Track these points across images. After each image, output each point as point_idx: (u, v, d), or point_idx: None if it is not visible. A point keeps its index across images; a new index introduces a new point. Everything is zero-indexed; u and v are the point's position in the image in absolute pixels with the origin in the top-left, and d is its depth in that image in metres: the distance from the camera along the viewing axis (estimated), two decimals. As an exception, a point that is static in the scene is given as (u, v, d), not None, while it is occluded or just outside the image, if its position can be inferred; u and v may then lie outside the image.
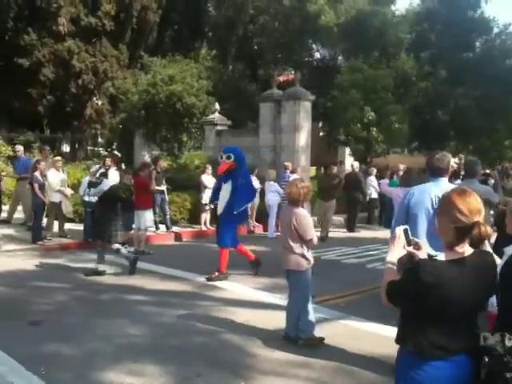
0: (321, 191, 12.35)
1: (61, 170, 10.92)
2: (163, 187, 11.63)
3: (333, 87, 19.77)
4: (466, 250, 2.45)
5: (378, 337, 5.38)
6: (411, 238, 2.61)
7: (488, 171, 13.84)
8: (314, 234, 5.34)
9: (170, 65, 17.88)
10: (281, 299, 6.54)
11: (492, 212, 6.81)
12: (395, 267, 2.57)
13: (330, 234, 12.24)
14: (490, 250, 3.35)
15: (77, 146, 30.31)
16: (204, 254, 10.19)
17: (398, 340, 2.52)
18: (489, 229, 2.40)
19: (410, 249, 2.59)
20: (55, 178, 10.47)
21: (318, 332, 5.35)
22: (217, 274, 7.80)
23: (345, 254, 9.99)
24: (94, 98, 28.86)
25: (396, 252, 2.59)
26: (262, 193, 12.65)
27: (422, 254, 2.60)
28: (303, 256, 5.29)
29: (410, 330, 2.44)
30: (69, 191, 10.86)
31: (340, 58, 25.77)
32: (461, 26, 22.33)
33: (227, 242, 7.89)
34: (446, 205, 2.47)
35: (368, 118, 17.70)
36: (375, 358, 4.74)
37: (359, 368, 4.68)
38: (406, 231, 2.60)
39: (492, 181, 9.82)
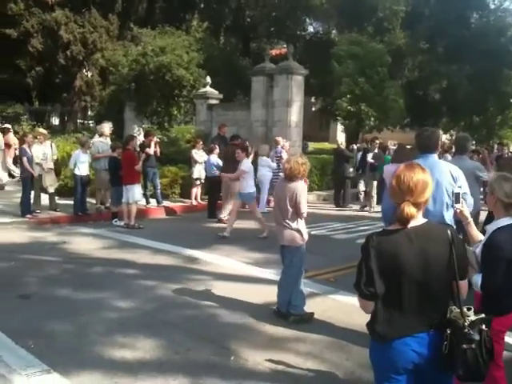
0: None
1: (47, 143, 10.76)
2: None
3: (326, 61, 19.48)
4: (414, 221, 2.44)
5: (368, 311, 5.40)
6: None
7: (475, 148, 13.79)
8: (306, 209, 5.32)
9: (160, 36, 17.57)
10: (271, 274, 6.56)
11: (482, 189, 6.84)
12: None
13: (320, 211, 12.23)
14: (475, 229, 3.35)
15: (66, 118, 29.95)
16: (194, 228, 10.18)
17: (367, 324, 2.65)
18: (412, 211, 2.38)
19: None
20: (37, 150, 10.33)
21: (309, 307, 5.37)
22: None
23: (335, 229, 10.01)
24: (84, 70, 28.38)
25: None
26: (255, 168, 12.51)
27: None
28: (298, 231, 5.26)
29: (375, 314, 2.55)
30: (48, 165, 10.58)
31: (334, 32, 25.43)
32: (455, 1, 22.02)
33: None
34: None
35: (362, 89, 17.39)
36: (365, 332, 4.75)
37: (349, 342, 4.72)
38: None
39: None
